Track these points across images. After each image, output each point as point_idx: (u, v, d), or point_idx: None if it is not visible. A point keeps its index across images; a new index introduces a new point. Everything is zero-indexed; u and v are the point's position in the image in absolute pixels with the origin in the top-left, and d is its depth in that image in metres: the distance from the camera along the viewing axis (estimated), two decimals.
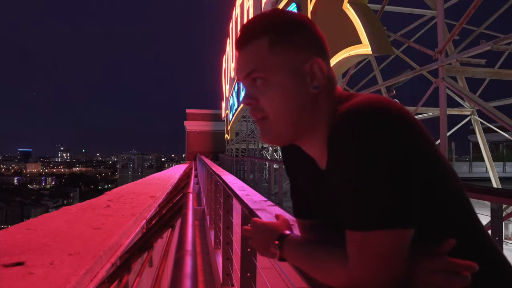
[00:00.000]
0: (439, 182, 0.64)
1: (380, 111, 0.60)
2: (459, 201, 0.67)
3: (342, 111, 0.64)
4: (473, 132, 7.33)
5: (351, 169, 0.60)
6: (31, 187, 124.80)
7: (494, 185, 6.39)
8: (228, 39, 21.76)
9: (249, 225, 0.93)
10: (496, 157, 18.45)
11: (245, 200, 2.18)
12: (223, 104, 26.44)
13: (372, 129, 0.59)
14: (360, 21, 5.28)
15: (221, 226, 3.55)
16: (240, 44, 0.74)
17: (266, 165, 13.13)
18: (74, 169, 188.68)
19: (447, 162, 0.67)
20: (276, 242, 0.82)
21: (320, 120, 0.72)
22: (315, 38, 0.74)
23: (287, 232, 0.84)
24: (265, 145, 23.28)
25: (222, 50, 26.06)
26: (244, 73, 0.73)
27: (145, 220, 2.59)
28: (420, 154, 0.61)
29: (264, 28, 0.72)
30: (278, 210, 1.85)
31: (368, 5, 5.61)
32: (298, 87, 0.71)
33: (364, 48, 5.21)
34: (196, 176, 12.43)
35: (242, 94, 16.73)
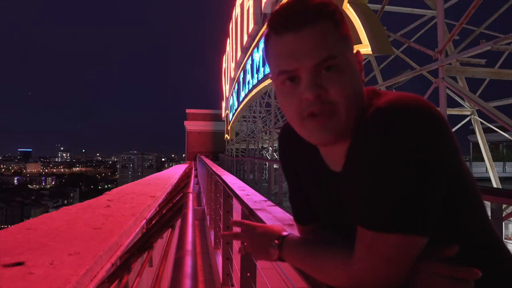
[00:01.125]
0: (460, 190, 0.62)
1: (423, 113, 0.57)
2: (475, 207, 0.65)
3: (380, 107, 0.59)
4: (473, 132, 7.32)
5: (379, 166, 0.57)
6: (31, 187, 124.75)
7: (494, 185, 6.38)
8: (228, 39, 21.74)
9: (240, 229, 0.90)
10: (496, 157, 18.43)
11: (245, 200, 2.17)
12: (223, 104, 26.44)
13: (407, 130, 0.56)
14: (360, 21, 5.28)
15: (221, 226, 3.55)
16: (301, 22, 0.62)
17: (266, 165, 13.12)
18: (74, 169, 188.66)
19: (467, 168, 0.65)
20: (276, 241, 0.81)
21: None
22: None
23: (285, 233, 0.83)
24: (265, 145, 23.29)
25: (222, 50, 26.08)
26: (318, 60, 0.62)
27: (145, 220, 2.59)
28: (448, 162, 0.59)
29: (328, 7, 0.64)
30: (278, 210, 1.85)
31: (368, 5, 5.62)
32: (358, 77, 0.67)
33: (364, 48, 5.21)
34: (196, 176, 12.42)
35: (242, 94, 16.55)
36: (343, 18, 0.66)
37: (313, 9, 0.62)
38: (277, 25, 0.65)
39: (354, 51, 0.68)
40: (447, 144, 0.58)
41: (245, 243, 0.88)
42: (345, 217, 0.71)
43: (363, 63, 0.71)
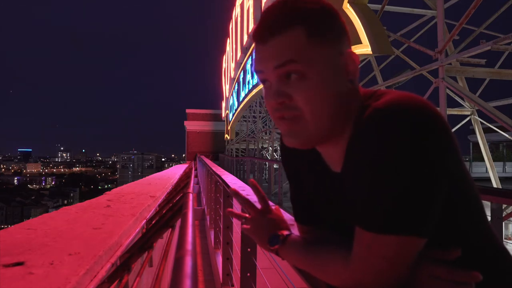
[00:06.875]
0: (459, 191, 0.62)
1: (421, 112, 0.56)
2: (473, 208, 0.65)
3: (377, 107, 0.58)
4: (473, 132, 7.32)
5: (376, 167, 0.56)
6: (31, 187, 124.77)
7: (494, 185, 6.38)
8: (228, 39, 21.75)
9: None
10: (496, 157, 18.42)
11: None
12: (223, 104, 26.45)
13: (410, 130, 0.55)
14: (360, 21, 5.28)
15: (221, 226, 3.55)
16: (270, 32, 0.64)
17: (266, 165, 13.13)
18: (74, 169, 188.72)
19: (466, 168, 0.64)
20: (280, 234, 0.81)
21: (349, 117, 0.66)
22: (344, 28, 0.68)
23: (287, 232, 0.83)
24: (265, 145, 23.30)
25: (222, 50, 26.09)
26: (278, 62, 0.64)
27: (145, 220, 2.59)
28: (447, 162, 0.58)
29: (302, 15, 0.63)
30: None
31: (368, 5, 5.62)
32: (337, 82, 0.65)
33: (364, 48, 5.21)
34: (196, 176, 12.43)
35: (242, 94, 16.54)
36: (326, 23, 0.65)
37: (281, 19, 0.64)
38: (255, 34, 0.68)
39: (346, 51, 0.67)
40: (446, 144, 0.58)
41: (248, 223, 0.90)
42: (346, 217, 0.71)
43: (363, 63, 0.71)
